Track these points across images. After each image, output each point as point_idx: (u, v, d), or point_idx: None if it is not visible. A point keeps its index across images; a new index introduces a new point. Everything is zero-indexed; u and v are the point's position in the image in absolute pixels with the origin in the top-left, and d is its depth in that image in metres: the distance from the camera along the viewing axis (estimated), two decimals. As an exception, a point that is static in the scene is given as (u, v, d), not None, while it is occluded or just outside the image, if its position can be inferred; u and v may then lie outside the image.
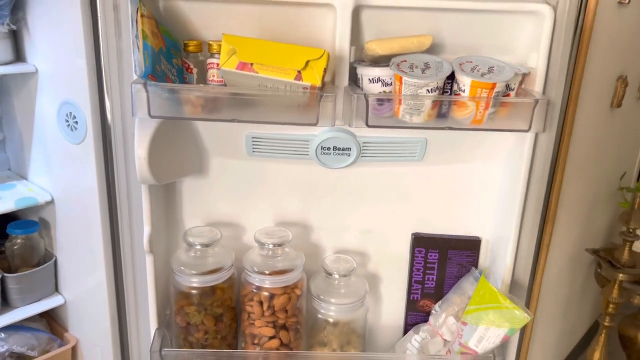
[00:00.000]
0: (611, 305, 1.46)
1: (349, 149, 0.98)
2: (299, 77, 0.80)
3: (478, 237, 1.08)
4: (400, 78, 0.83)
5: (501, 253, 1.04)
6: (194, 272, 0.96)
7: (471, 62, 0.87)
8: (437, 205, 1.06)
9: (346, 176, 1.03)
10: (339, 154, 0.99)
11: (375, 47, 0.87)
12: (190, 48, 0.90)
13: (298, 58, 0.79)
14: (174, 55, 0.89)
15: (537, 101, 0.85)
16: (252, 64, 0.79)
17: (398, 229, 1.07)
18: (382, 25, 0.90)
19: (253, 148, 0.99)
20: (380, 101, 0.87)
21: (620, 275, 1.38)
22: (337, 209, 1.06)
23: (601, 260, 1.47)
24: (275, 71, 0.79)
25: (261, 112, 0.85)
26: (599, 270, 1.54)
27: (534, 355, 1.26)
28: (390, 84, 0.88)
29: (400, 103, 0.86)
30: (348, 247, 1.09)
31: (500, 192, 1.03)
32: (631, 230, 1.38)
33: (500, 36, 0.92)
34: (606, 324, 1.46)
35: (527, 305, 1.08)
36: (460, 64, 0.86)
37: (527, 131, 0.86)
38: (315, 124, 0.84)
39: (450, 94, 0.88)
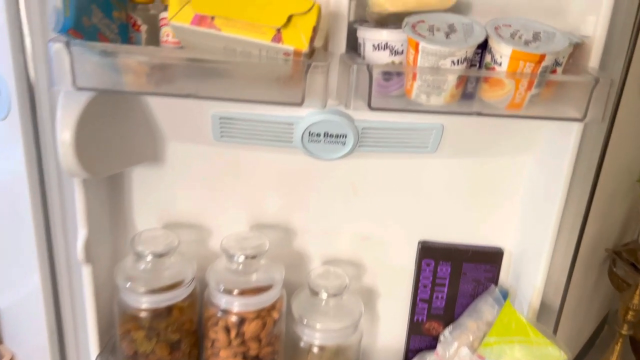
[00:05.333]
0: (631, 313, 1.28)
1: (345, 135, 0.77)
2: (278, 37, 0.58)
3: (500, 248, 0.88)
4: (417, 44, 0.62)
5: (529, 269, 0.84)
6: (144, 289, 0.75)
7: (510, 25, 0.65)
8: (452, 208, 0.85)
9: (340, 169, 0.82)
10: (332, 141, 0.78)
11: (384, 2, 0.65)
12: (138, -3, 0.68)
13: (278, 11, 0.57)
14: (114, 6, 0.67)
15: (597, 80, 0.63)
16: (213, 18, 0.57)
17: (402, 235, 0.87)
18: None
19: (221, 132, 0.77)
20: (388, 74, 0.66)
21: (644, 280, 1.20)
22: (327, 209, 0.85)
23: (622, 262, 1.30)
24: (246, 29, 0.57)
25: (228, 86, 0.63)
26: (613, 268, 1.37)
27: None
28: (402, 53, 0.67)
29: (414, 78, 0.64)
30: (340, 255, 0.88)
31: (532, 193, 0.83)
32: (660, 227, 1.19)
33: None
34: (624, 332, 1.28)
35: (555, 331, 0.89)
36: (496, 28, 0.64)
37: (580, 120, 0.65)
38: (299, 104, 0.63)
39: (480, 67, 0.67)
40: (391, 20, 0.68)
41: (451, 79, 0.63)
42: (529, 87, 0.64)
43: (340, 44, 0.68)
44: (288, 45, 0.58)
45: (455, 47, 0.61)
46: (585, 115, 0.64)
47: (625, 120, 0.86)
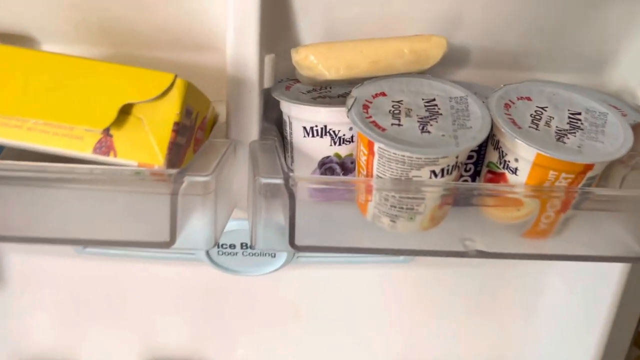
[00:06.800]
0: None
1: (273, 246, 0.51)
2: (106, 145, 0.31)
3: (504, 385, 0.62)
4: (371, 144, 0.35)
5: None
6: None
7: (530, 98, 0.39)
8: (436, 335, 0.60)
9: (274, 284, 0.56)
10: (254, 253, 0.52)
11: (316, 61, 0.38)
12: None
13: (103, 98, 0.30)
14: None
15: (678, 199, 0.37)
16: (-23, 113, 0.30)
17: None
18: (337, 10, 0.42)
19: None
20: (325, 186, 0.39)
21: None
22: (259, 337, 0.59)
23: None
24: (47, 132, 0.31)
25: (44, 216, 0.36)
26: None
27: None
28: (352, 141, 0.41)
29: (370, 193, 0.38)
30: (278, 397, 0.63)
31: (554, 311, 0.58)
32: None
33: (588, 33, 0.44)
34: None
35: None
36: (507, 105, 0.38)
37: (637, 261, 0.39)
38: (167, 245, 0.36)
39: (480, 167, 0.41)
40: (337, 83, 0.42)
41: (430, 198, 0.37)
42: (563, 209, 0.38)
43: (249, 127, 0.41)
44: (125, 159, 0.31)
45: (439, 154, 0.34)
46: (653, 254, 0.38)
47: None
